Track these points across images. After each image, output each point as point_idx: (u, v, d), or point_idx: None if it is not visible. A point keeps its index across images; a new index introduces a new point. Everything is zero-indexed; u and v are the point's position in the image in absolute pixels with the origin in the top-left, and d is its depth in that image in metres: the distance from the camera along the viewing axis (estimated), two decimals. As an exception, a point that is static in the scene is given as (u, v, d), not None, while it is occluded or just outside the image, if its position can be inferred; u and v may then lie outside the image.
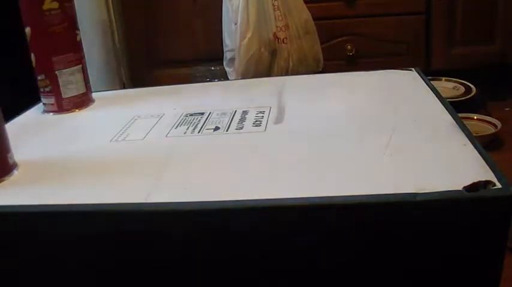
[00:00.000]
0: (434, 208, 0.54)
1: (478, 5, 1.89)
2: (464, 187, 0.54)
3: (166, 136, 0.76)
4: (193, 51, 2.04)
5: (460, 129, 0.69)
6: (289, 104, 0.85)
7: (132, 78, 2.06)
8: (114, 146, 0.75)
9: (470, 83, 1.87)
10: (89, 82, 0.94)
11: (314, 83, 0.98)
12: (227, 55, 1.86)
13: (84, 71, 0.92)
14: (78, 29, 0.91)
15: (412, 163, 0.61)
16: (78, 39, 0.91)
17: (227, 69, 1.87)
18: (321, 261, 0.57)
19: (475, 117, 1.68)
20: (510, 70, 1.90)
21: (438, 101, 0.79)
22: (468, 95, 1.81)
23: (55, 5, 0.86)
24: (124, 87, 1.97)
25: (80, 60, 0.91)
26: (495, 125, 1.63)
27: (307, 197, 0.56)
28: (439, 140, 0.67)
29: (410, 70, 0.95)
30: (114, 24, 1.93)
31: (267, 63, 1.80)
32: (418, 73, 0.93)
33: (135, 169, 0.68)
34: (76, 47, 0.91)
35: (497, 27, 1.90)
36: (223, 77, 1.89)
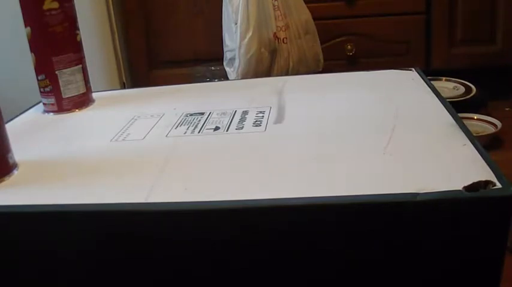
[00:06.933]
0: (435, 208, 0.54)
1: (478, 5, 1.89)
2: (464, 187, 0.54)
3: (166, 136, 0.76)
4: (193, 51, 2.04)
5: (460, 129, 0.69)
6: (289, 104, 0.85)
7: (132, 78, 2.06)
8: (114, 146, 0.75)
9: (470, 83, 1.87)
10: (89, 82, 0.94)
11: (314, 83, 0.98)
12: (227, 55, 1.86)
13: (84, 71, 0.92)
14: (79, 29, 0.91)
15: (412, 163, 0.61)
16: (78, 39, 0.91)
17: (227, 69, 1.87)
18: (320, 261, 0.57)
19: (475, 117, 1.68)
20: (510, 70, 1.91)
21: (438, 101, 0.79)
22: (468, 95, 1.81)
23: (55, 5, 0.86)
24: (124, 87, 1.97)
25: (80, 60, 0.91)
26: (495, 125, 1.63)
27: (307, 197, 0.56)
28: (439, 140, 0.67)
29: (410, 70, 0.95)
30: (114, 24, 1.93)
31: (267, 63, 1.79)
32: (418, 73, 0.93)
33: (135, 169, 0.68)
34: (76, 47, 0.91)
35: (498, 27, 1.90)
36: (223, 77, 1.89)
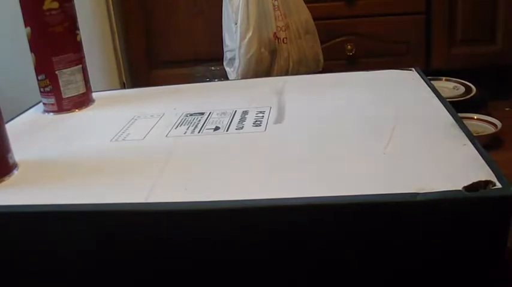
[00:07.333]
0: (435, 208, 0.54)
1: (478, 5, 1.88)
2: (464, 187, 0.54)
3: (166, 136, 0.77)
4: (193, 51, 2.04)
5: (460, 129, 0.69)
6: (289, 104, 0.85)
7: (132, 78, 2.06)
8: (114, 146, 0.75)
9: (470, 83, 1.86)
10: (89, 82, 0.93)
11: (314, 83, 0.98)
12: (227, 55, 1.86)
13: (84, 71, 0.92)
14: (79, 29, 0.91)
15: (412, 162, 0.61)
16: (78, 39, 0.91)
17: (227, 69, 1.87)
18: (320, 261, 0.57)
19: (475, 117, 1.67)
20: (510, 70, 1.90)
21: (438, 101, 0.80)
22: (468, 95, 1.80)
23: (55, 5, 0.86)
24: (124, 87, 1.97)
25: (80, 60, 0.91)
26: (495, 125, 1.63)
27: (307, 197, 0.56)
28: (439, 140, 0.67)
29: (411, 70, 0.95)
30: (114, 24, 1.93)
31: (267, 63, 1.79)
32: (418, 73, 0.93)
33: (135, 169, 0.68)
34: (76, 47, 0.91)
35: (498, 27, 1.90)
36: (223, 77, 1.89)
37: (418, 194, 0.54)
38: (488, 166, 0.59)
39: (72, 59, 0.90)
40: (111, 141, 0.77)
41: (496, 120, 1.64)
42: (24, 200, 0.62)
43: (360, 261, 0.57)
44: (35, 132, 0.85)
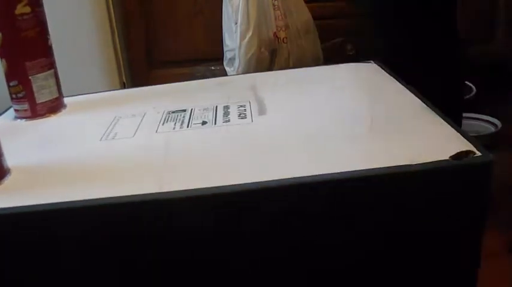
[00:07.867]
0: (428, 176, 0.60)
1: (478, 5, 1.87)
2: (451, 157, 0.59)
3: (156, 132, 0.77)
4: (193, 51, 2.04)
5: (432, 112, 0.73)
6: (267, 97, 0.86)
7: (132, 78, 2.07)
8: (105, 145, 0.75)
9: (470, 83, 1.85)
10: (60, 87, 0.93)
11: (284, 78, 1.00)
12: (227, 55, 1.86)
13: (56, 75, 0.92)
14: (49, 34, 0.90)
15: (397, 141, 0.66)
16: (49, 43, 0.90)
17: (227, 69, 1.87)
18: (308, 240, 0.60)
19: (475, 117, 1.67)
20: (510, 69, 1.89)
21: (405, 88, 0.83)
22: (468, 95, 1.80)
23: (27, 9, 0.86)
24: (124, 87, 1.98)
25: (52, 64, 0.90)
26: (495, 125, 1.63)
27: (312, 176, 0.59)
28: (417, 121, 0.72)
29: (370, 62, 0.99)
30: (114, 24, 1.93)
31: (267, 63, 1.79)
32: (379, 65, 0.97)
33: (136, 164, 0.68)
34: (48, 52, 0.90)
35: (498, 27, 1.88)
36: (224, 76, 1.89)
37: (411, 165, 0.59)
38: (466, 139, 0.64)
39: (44, 64, 0.89)
40: (101, 141, 0.76)
41: (496, 120, 1.64)
42: (23, 202, 0.61)
43: (355, 235, 0.61)
44: (14, 138, 0.82)
